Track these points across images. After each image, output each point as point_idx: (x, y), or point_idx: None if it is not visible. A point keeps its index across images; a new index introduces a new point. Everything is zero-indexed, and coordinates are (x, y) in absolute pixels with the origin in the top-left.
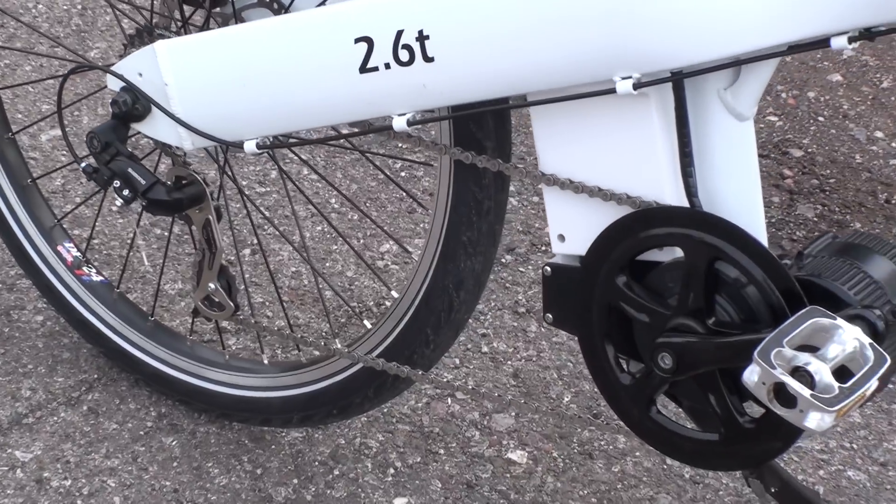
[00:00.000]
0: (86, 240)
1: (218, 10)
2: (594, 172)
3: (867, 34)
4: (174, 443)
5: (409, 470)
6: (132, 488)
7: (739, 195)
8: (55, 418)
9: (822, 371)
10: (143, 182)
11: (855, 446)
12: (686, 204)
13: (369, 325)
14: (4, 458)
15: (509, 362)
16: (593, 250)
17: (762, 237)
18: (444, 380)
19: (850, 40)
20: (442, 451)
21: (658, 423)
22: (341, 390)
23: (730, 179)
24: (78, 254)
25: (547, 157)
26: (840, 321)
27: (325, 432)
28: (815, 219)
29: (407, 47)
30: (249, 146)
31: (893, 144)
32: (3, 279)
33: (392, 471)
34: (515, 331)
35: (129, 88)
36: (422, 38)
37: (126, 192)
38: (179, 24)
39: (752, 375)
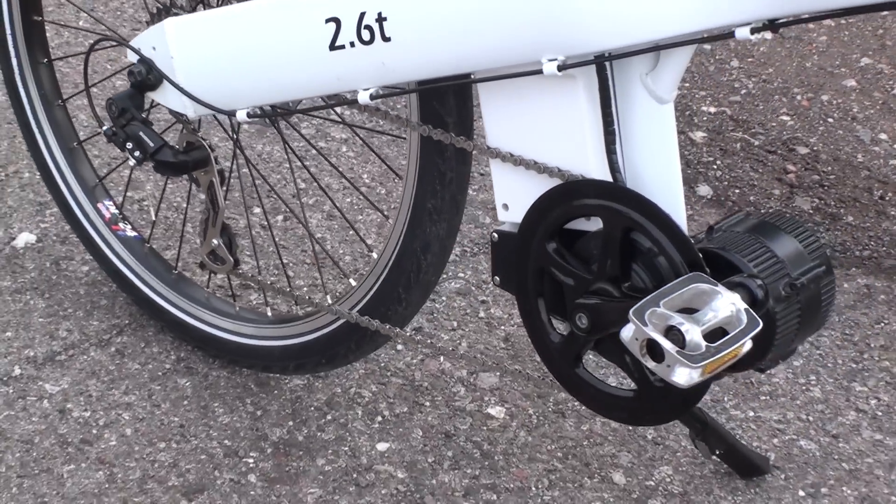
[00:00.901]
0: (136, 201)
1: None
2: (531, 147)
3: (770, 25)
4: (187, 384)
5: (396, 419)
6: (144, 422)
7: (660, 172)
8: (85, 357)
9: (692, 331)
10: (151, 145)
11: (811, 418)
12: (610, 178)
13: (354, 284)
14: (35, 390)
15: (502, 327)
16: (527, 218)
17: (680, 211)
18: (440, 339)
19: (753, 31)
20: (428, 404)
21: (583, 378)
22: (328, 342)
23: (651, 158)
24: (115, 211)
25: (492, 131)
26: (720, 287)
27: (325, 381)
28: (811, 211)
29: (368, 28)
30: (241, 115)
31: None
32: (58, 232)
33: (380, 419)
34: (513, 299)
35: (143, 61)
36: (380, 19)
37: (137, 153)
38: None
39: (627, 332)
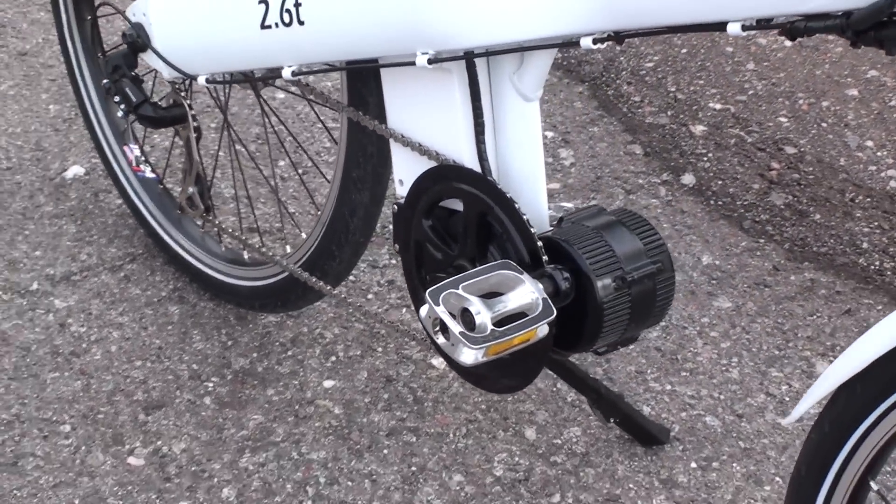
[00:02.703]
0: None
1: None
2: (419, 130)
3: (615, 37)
4: (176, 311)
5: (347, 360)
6: (129, 341)
7: (524, 164)
8: (96, 279)
9: (482, 314)
10: (135, 100)
11: (722, 397)
12: (478, 166)
13: (304, 237)
14: (45, 304)
15: None
16: (409, 195)
17: (539, 201)
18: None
19: (595, 41)
20: (380, 350)
21: None
22: (282, 287)
23: (517, 150)
24: (139, 153)
25: (391, 113)
26: (524, 276)
27: (296, 320)
28: (782, 206)
29: (288, 11)
30: (201, 80)
31: (879, 153)
32: (103, 168)
33: (333, 359)
34: None
35: (133, 25)
36: (297, 4)
37: (123, 106)
38: None
39: (423, 311)
